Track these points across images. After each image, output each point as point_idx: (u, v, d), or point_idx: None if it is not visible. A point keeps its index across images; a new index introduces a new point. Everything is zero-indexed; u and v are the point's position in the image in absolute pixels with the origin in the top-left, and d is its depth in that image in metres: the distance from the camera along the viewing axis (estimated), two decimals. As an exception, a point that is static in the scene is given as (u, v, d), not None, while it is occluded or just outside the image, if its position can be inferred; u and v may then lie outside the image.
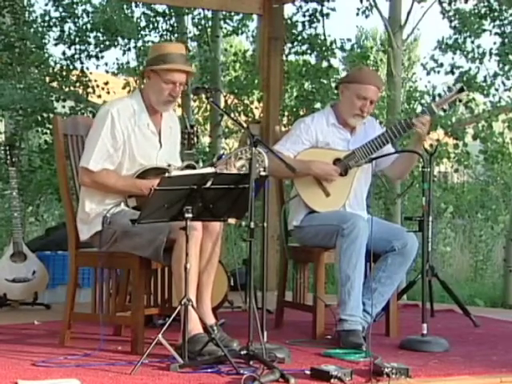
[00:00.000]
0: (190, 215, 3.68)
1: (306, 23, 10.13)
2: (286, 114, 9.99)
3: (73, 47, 10.71)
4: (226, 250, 7.43)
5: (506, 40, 9.02)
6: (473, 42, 9.18)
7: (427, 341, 4.20)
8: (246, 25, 11.59)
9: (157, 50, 4.18)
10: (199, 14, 11.27)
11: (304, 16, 10.13)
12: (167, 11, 11.09)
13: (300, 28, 10.15)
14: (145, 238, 3.92)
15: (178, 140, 4.36)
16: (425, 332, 4.23)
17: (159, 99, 4.12)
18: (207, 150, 11.04)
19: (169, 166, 4.12)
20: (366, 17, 9.71)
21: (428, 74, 9.39)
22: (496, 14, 9.11)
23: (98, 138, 4.05)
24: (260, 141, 3.71)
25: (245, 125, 3.96)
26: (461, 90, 4.58)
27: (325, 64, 10.08)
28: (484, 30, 9.10)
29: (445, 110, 4.65)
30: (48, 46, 10.63)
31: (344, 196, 4.51)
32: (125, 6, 11.04)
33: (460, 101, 4.62)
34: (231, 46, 13.58)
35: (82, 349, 4.00)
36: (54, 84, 10.35)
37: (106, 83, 10.50)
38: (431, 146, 5.34)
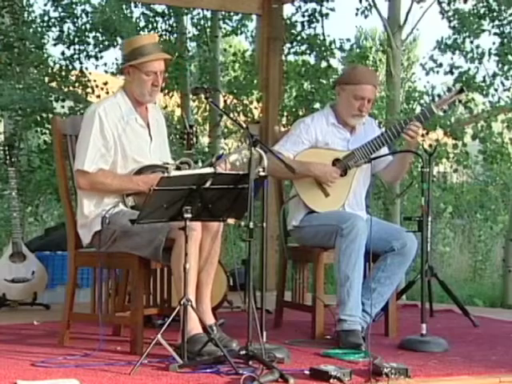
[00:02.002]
0: (190, 215, 3.68)
1: (305, 23, 10.14)
2: (286, 114, 9.99)
3: (72, 47, 10.71)
4: (225, 250, 7.41)
5: (505, 40, 9.03)
6: (472, 42, 9.18)
7: (426, 341, 4.20)
8: (245, 25, 11.60)
9: (130, 45, 4.20)
10: (198, 14, 11.28)
11: (303, 16, 10.15)
12: (166, 11, 11.10)
13: (299, 28, 10.16)
14: (144, 238, 3.92)
15: (165, 132, 4.39)
16: (424, 332, 4.23)
17: (143, 91, 4.15)
18: (206, 150, 11.04)
19: (166, 164, 4.12)
20: (365, 17, 9.72)
21: (427, 74, 9.40)
22: (495, 14, 9.12)
23: (89, 140, 4.07)
24: (259, 141, 3.71)
25: (244, 125, 3.95)
26: (460, 91, 4.58)
27: (324, 64, 10.09)
28: (483, 30, 9.10)
29: (444, 111, 4.65)
30: (47, 46, 10.63)
31: (343, 196, 4.51)
32: (124, 6, 11.05)
33: (460, 101, 4.62)
34: (230, 46, 13.58)
35: (82, 349, 3.99)
36: (53, 84, 10.34)
37: (105, 83, 10.50)
38: (430, 146, 5.35)
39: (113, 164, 4.12)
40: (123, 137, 4.12)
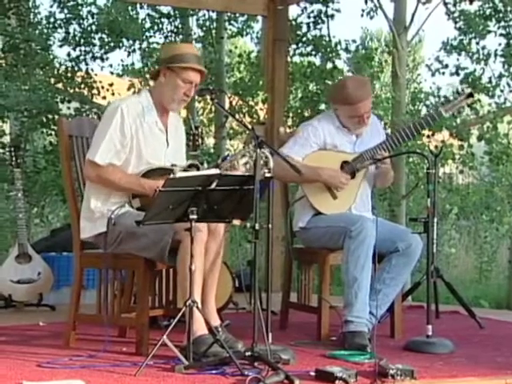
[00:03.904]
0: (195, 216, 3.68)
1: (311, 24, 10.16)
2: (291, 115, 10.00)
3: (78, 49, 10.75)
4: (230, 251, 7.42)
5: (511, 41, 9.01)
6: (478, 43, 9.17)
7: (432, 342, 4.19)
8: (250, 26, 11.62)
9: (173, 50, 4.18)
10: (204, 15, 11.30)
11: (309, 17, 10.16)
12: (172, 12, 11.12)
13: (305, 29, 10.18)
14: (150, 239, 3.92)
15: (183, 140, 4.37)
16: (430, 333, 4.22)
17: (174, 97, 4.12)
18: (212, 151, 11.05)
19: (173, 165, 4.12)
20: (371, 18, 9.72)
21: (433, 75, 9.40)
22: (501, 14, 9.11)
23: (107, 133, 4.06)
24: (264, 142, 3.71)
25: (249, 126, 3.95)
26: (469, 95, 4.57)
27: (329, 65, 10.10)
28: (489, 31, 9.09)
29: (453, 115, 4.63)
30: (53, 48, 10.68)
31: (351, 199, 4.51)
32: (129, 8, 11.08)
33: (468, 106, 4.59)
34: (236, 48, 13.61)
35: (87, 350, 4.00)
36: (59, 85, 10.38)
37: (111, 84, 10.52)
38: (436, 147, 5.34)
39: (126, 162, 4.10)
40: (141, 138, 4.11)
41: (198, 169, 4.10)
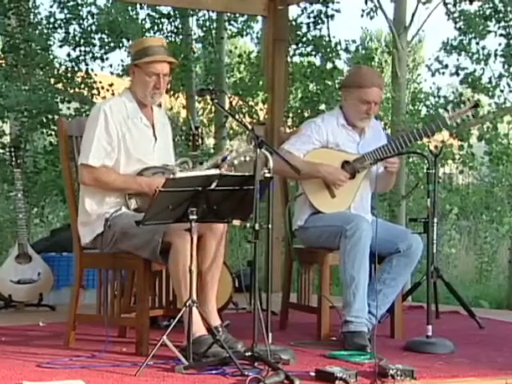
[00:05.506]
0: (195, 217, 3.68)
1: (311, 25, 10.15)
2: (291, 115, 10.00)
3: (78, 49, 10.72)
4: (230, 252, 7.42)
5: (511, 41, 9.00)
6: (478, 44, 9.15)
7: (432, 342, 4.20)
8: (250, 26, 11.61)
9: (137, 46, 4.24)
10: (204, 15, 11.30)
11: (309, 17, 10.15)
12: (172, 13, 11.11)
13: (305, 29, 10.17)
14: (142, 239, 3.93)
15: (170, 135, 4.40)
16: (430, 334, 4.23)
17: (145, 92, 4.17)
18: (212, 151, 11.05)
19: (165, 165, 4.13)
20: (371, 18, 9.70)
21: (433, 75, 9.38)
22: (501, 15, 9.09)
23: (94, 136, 4.08)
24: (265, 142, 3.71)
25: (249, 126, 3.95)
26: (475, 105, 4.58)
27: (329, 65, 10.09)
28: (489, 32, 9.07)
29: (458, 124, 4.65)
30: (53, 48, 10.64)
31: (350, 198, 4.51)
32: (129, 8, 11.06)
33: (473, 116, 4.60)
34: (236, 48, 13.61)
35: (87, 350, 4.00)
36: (59, 85, 10.35)
37: (111, 85, 10.51)
38: (436, 147, 5.34)
39: (116, 162, 4.12)
40: (127, 136, 4.13)
41: (189, 165, 4.11)
